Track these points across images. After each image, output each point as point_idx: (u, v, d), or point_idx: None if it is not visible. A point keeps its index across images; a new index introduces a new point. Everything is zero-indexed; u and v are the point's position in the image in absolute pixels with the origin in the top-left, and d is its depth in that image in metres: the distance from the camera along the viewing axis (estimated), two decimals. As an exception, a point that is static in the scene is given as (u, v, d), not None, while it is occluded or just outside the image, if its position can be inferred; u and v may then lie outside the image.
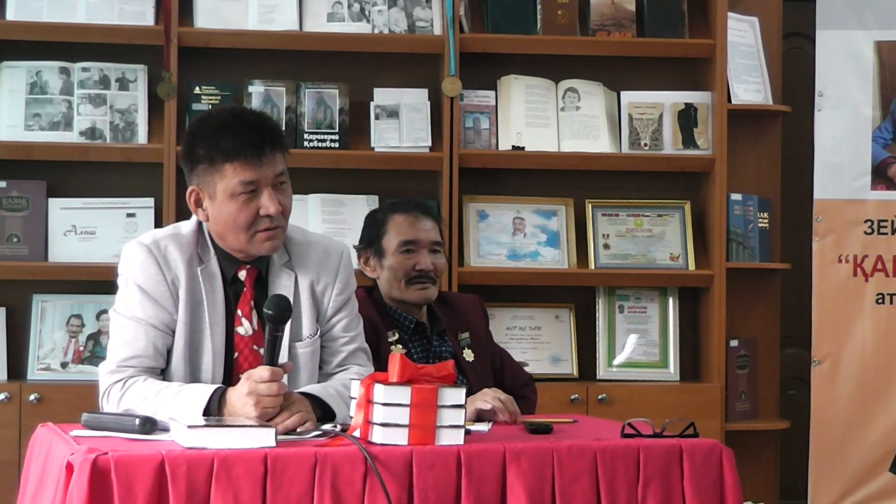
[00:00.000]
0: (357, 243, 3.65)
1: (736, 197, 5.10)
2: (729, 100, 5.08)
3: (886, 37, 5.04)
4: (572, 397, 4.85)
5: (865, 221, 5.00)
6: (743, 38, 5.22)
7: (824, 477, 4.96)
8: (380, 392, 2.64)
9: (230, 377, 2.91)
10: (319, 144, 4.88)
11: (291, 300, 2.91)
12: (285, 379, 2.81)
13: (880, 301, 4.96)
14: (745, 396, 5.13)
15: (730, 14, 5.09)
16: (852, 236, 4.99)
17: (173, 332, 2.93)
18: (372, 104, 4.94)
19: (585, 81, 5.14)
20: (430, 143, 4.93)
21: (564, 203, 5.11)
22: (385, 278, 3.59)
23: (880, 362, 4.95)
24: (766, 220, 5.19)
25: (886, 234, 4.97)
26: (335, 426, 2.79)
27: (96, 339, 4.77)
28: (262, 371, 2.73)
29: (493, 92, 5.06)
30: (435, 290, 3.62)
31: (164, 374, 2.94)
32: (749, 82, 5.20)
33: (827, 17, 5.03)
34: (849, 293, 4.98)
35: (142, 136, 4.84)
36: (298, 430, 2.74)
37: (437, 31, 4.93)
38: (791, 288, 5.28)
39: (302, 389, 2.90)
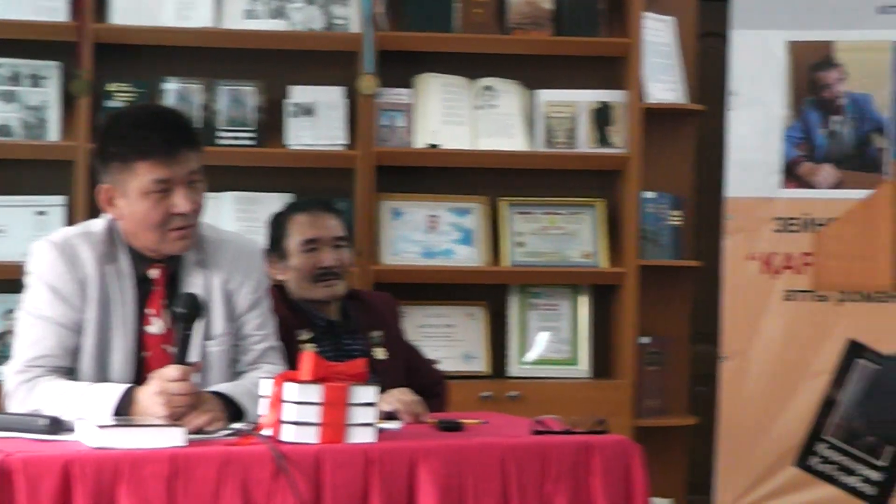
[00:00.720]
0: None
1: (649, 195, 5.14)
2: (645, 98, 5.12)
3: (798, 37, 5.09)
4: (484, 395, 4.88)
5: (775, 219, 5.04)
6: (659, 37, 5.26)
7: (731, 472, 5.02)
8: (291, 390, 2.64)
9: (140, 377, 2.90)
10: (234, 142, 4.86)
11: (204, 298, 2.91)
12: (197, 378, 2.81)
13: (789, 298, 5.01)
14: (656, 393, 5.18)
15: (646, 14, 5.13)
16: (762, 234, 5.04)
17: (83, 331, 2.92)
18: (288, 102, 4.93)
19: (502, 80, 5.16)
20: (345, 141, 4.94)
21: (479, 201, 5.13)
22: (292, 279, 3.60)
23: (788, 359, 5.01)
24: (679, 218, 5.24)
25: (796, 231, 5.02)
26: (246, 425, 2.79)
27: (4, 338, 4.71)
28: (172, 370, 2.72)
29: (410, 90, 5.07)
30: (343, 285, 3.63)
31: (72, 373, 2.92)
32: (664, 81, 5.25)
33: (741, 16, 5.07)
34: (758, 290, 5.03)
35: (53, 134, 4.79)
36: (208, 429, 2.74)
37: (355, 28, 4.93)
38: (702, 285, 5.33)
39: (212, 388, 2.90)
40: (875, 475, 5.00)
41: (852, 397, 5.01)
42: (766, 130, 5.08)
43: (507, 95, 5.14)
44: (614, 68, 5.20)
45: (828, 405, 5.00)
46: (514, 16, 5.10)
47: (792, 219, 5.04)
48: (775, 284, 5.02)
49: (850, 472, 5.00)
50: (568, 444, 2.91)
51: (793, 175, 5.05)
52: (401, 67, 5.04)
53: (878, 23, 5.03)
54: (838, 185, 5.02)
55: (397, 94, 5.04)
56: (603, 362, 5.18)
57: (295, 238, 3.61)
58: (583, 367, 5.12)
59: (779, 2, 5.09)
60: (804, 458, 5.02)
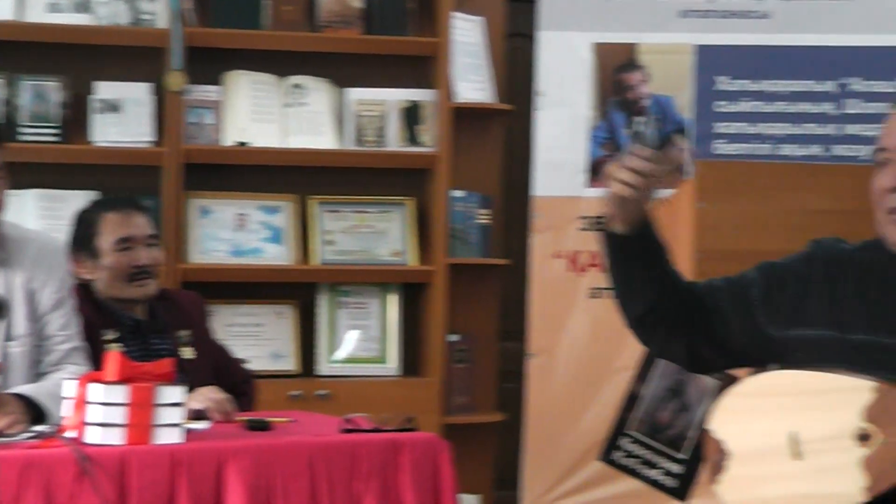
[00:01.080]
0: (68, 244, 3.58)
1: (458, 194, 5.18)
2: (454, 98, 5.16)
3: (603, 39, 5.17)
4: (293, 394, 4.85)
5: (581, 218, 5.12)
6: (468, 37, 5.31)
7: (537, 467, 5.09)
8: (96, 391, 2.60)
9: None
10: (37, 138, 4.75)
11: (5, 298, 2.84)
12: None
13: (594, 296, 5.10)
14: (464, 390, 5.22)
15: (455, 14, 5.17)
16: (568, 232, 5.11)
17: None
18: (93, 98, 4.84)
19: (312, 78, 5.14)
20: (152, 138, 4.86)
21: (289, 199, 5.10)
22: (104, 278, 3.54)
23: (593, 355, 5.09)
24: (488, 217, 5.29)
25: (601, 230, 5.10)
26: (48, 427, 2.74)
27: None
28: (-29, 372, 2.66)
29: (219, 87, 5.02)
30: (155, 284, 3.59)
31: None
32: (473, 81, 5.29)
33: (548, 18, 5.13)
34: (564, 288, 5.10)
35: None
36: (9, 432, 2.68)
37: (162, 24, 4.86)
38: (510, 283, 5.39)
39: (13, 390, 2.83)
40: (676, 468, 5.12)
41: (655, 392, 5.12)
42: (572, 130, 5.15)
43: (316, 93, 5.12)
44: (423, 67, 5.22)
45: (631, 400, 5.11)
46: (323, 14, 5.09)
47: (598, 217, 5.12)
48: (581, 282, 5.10)
49: (653, 466, 5.11)
50: (377, 442, 2.93)
51: (598, 174, 5.14)
52: (209, 64, 4.99)
53: (679, 26, 5.14)
54: (641, 185, 5.12)
55: (206, 92, 4.98)
56: (412, 360, 5.21)
57: (107, 237, 3.55)
58: (392, 365, 5.14)
59: (584, 4, 5.17)
60: (608, 452, 5.11)
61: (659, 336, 2.74)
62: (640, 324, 2.71)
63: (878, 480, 2.31)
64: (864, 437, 2.35)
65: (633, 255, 2.64)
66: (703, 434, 4.49)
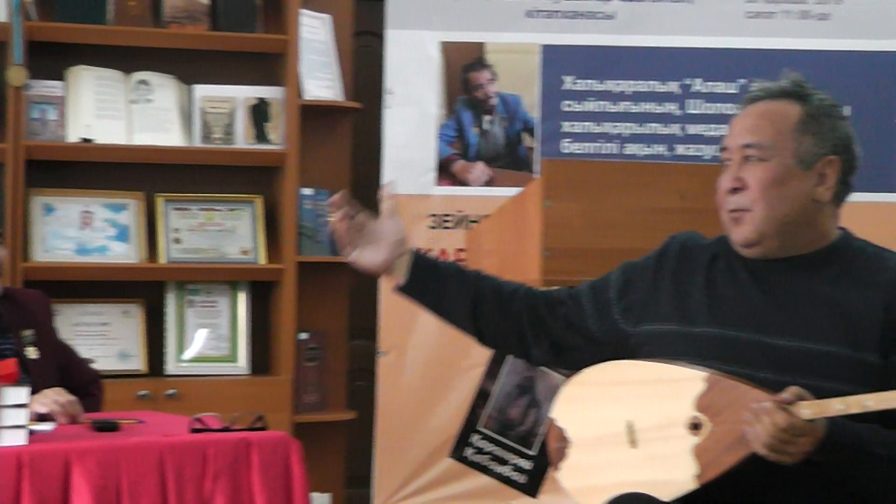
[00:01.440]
0: None
1: (307, 192, 5.16)
2: (302, 95, 5.14)
3: (451, 38, 5.19)
4: (141, 393, 4.79)
5: (430, 216, 5.14)
6: (316, 34, 5.29)
7: (389, 465, 5.09)
8: (-65, 393, 2.54)
9: None
10: None
11: None
12: None
13: (444, 293, 5.11)
14: (315, 388, 5.21)
15: (303, 11, 5.14)
16: (418, 230, 5.12)
17: None
18: (-69, 92, 4.73)
19: (158, 74, 5.08)
20: (-7, 134, 4.77)
21: (135, 197, 5.03)
22: (-53, 279, 3.46)
23: (443, 353, 5.11)
24: (337, 215, 5.27)
25: (450, 228, 5.13)
26: None
27: None
28: None
29: (62, 82, 4.93)
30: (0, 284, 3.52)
31: None
32: (322, 79, 5.28)
33: (396, 16, 5.14)
34: (414, 286, 5.11)
35: None
36: None
37: (2, 17, 4.76)
38: (360, 281, 5.38)
39: None
40: (527, 464, 5.16)
41: (505, 389, 5.16)
42: (420, 128, 5.16)
43: (162, 90, 5.06)
44: (271, 65, 5.20)
45: (481, 397, 5.14)
46: (169, 9, 5.03)
47: (446, 215, 5.15)
48: (431, 280, 5.11)
49: (503, 462, 5.15)
50: (226, 441, 2.90)
51: (447, 173, 5.16)
52: (52, 59, 4.90)
53: (526, 26, 5.19)
54: (490, 183, 5.17)
55: (48, 87, 4.89)
56: (262, 359, 5.18)
57: (-49, 236, 3.47)
58: (241, 363, 5.10)
59: (432, 3, 5.18)
60: (459, 449, 5.13)
61: (516, 346, 2.87)
62: (489, 343, 2.91)
63: (708, 468, 2.38)
64: (695, 426, 2.42)
65: (425, 294, 2.91)
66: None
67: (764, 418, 2.29)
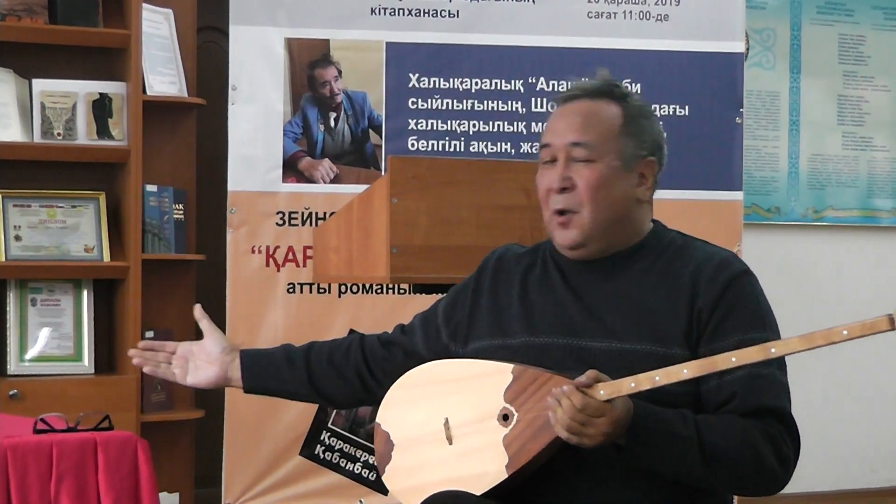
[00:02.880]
0: None
1: (151, 188, 5.11)
2: (145, 91, 5.08)
3: (296, 34, 5.17)
4: (-19, 394, 4.71)
5: (277, 213, 5.12)
6: (158, 29, 5.23)
7: (238, 464, 5.07)
8: None
9: None
10: None
11: None
12: None
13: (291, 290, 5.11)
14: (161, 387, 5.16)
15: (144, 5, 5.08)
16: (265, 228, 5.10)
17: None
18: None
19: (-5, 68, 4.99)
20: None
21: (-27, 194, 4.94)
22: None
23: (291, 350, 5.10)
24: (182, 212, 5.24)
25: (297, 225, 5.12)
26: None
27: None
28: None
29: None
30: None
31: None
32: (164, 74, 5.22)
33: (239, 12, 5.10)
34: (262, 283, 5.09)
35: None
36: None
37: None
38: (207, 279, 5.36)
39: None
40: (376, 461, 5.19)
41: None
42: (266, 125, 5.14)
43: (0, 85, 4.96)
44: (113, 59, 5.13)
45: (330, 394, 5.14)
46: (6, 1, 4.93)
47: (293, 213, 5.14)
48: (279, 278, 5.10)
49: (354, 460, 5.16)
50: (71, 441, 2.87)
51: (293, 170, 5.15)
52: None
53: (370, 23, 5.19)
54: (337, 180, 5.17)
55: None
56: (107, 358, 5.11)
57: None
58: (86, 363, 5.02)
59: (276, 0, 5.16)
60: (309, 447, 5.14)
61: (367, 397, 2.90)
62: (344, 404, 3.12)
63: (517, 457, 2.43)
64: (505, 417, 2.46)
65: (268, 388, 3.01)
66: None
67: (564, 400, 2.34)
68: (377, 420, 2.62)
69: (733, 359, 2.31)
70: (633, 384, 2.34)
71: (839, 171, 6.61)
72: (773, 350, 2.28)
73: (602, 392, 2.34)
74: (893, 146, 6.72)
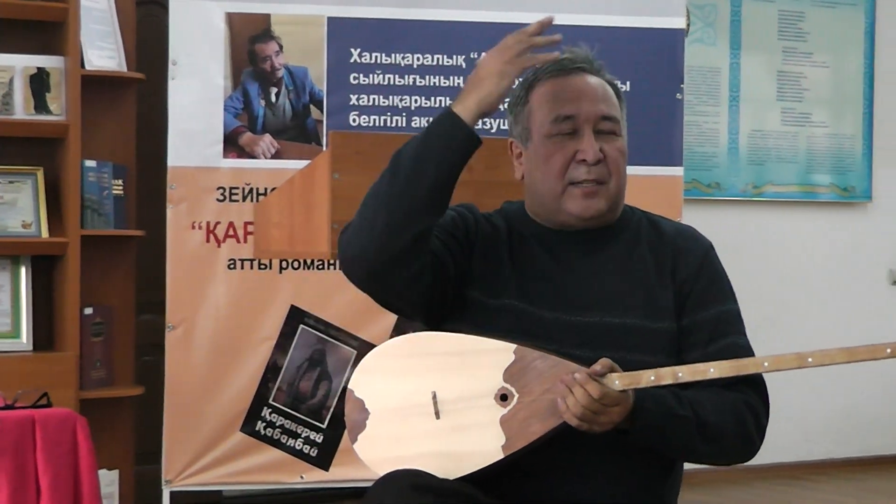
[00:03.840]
0: None
1: (91, 164, 5.06)
2: (83, 65, 5.03)
3: (237, 8, 5.13)
4: None
5: (218, 188, 5.09)
6: (96, 3, 5.17)
7: (179, 440, 5.05)
8: None
9: None
10: None
11: None
12: None
13: (232, 266, 5.08)
14: (101, 364, 5.13)
15: (82, -21, 5.04)
16: (205, 203, 5.07)
17: None
18: None
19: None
20: None
21: None
22: None
23: (233, 326, 5.09)
24: (122, 187, 5.20)
25: (238, 201, 5.10)
26: None
27: None
28: None
29: None
30: None
31: None
32: (104, 48, 5.17)
33: (181, -14, 5.08)
34: (202, 259, 5.06)
35: None
36: None
37: None
38: (147, 255, 5.32)
39: None
40: (317, 437, 5.18)
41: (295, 362, 5.17)
42: (207, 100, 5.10)
43: (-65, 58, 4.91)
44: (51, 33, 5.08)
45: (272, 371, 5.14)
46: (-58, -25, 4.87)
47: (234, 188, 5.12)
48: (219, 253, 5.08)
49: (295, 436, 5.16)
50: (9, 419, 2.86)
51: (234, 145, 5.12)
52: None
53: (309, -3, 5.18)
54: (278, 156, 5.15)
55: None
56: (45, 335, 5.07)
57: None
58: (24, 339, 4.98)
59: (217, -28, 5.12)
60: (250, 423, 5.13)
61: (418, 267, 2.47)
62: (413, 245, 2.40)
63: (515, 438, 2.41)
64: (504, 397, 2.44)
65: (463, 156, 2.43)
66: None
67: (577, 389, 2.33)
68: (350, 386, 2.55)
69: (766, 363, 2.34)
70: (652, 377, 2.35)
71: (779, 146, 6.66)
72: (809, 360, 2.30)
73: (617, 382, 2.34)
74: (832, 122, 6.79)
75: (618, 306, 2.51)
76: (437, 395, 2.46)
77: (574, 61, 2.60)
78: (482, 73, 2.47)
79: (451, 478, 2.40)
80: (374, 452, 2.49)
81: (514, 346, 2.43)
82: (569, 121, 2.54)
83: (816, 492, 6.24)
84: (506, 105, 2.68)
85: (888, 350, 2.25)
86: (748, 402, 2.50)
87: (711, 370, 2.35)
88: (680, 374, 2.35)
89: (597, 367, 2.35)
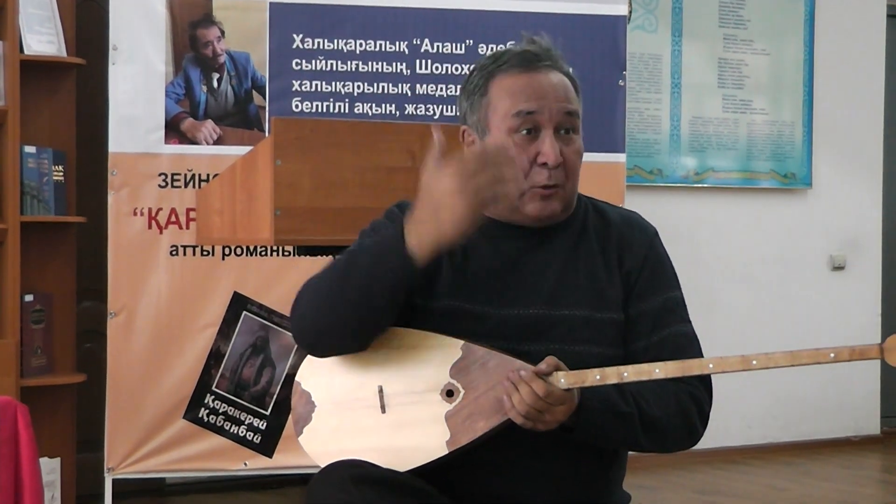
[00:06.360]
0: None
1: (30, 150, 5.02)
2: (22, 50, 4.99)
3: (178, -7, 5.13)
4: None
5: (160, 175, 5.07)
6: (36, -13, 5.14)
7: (121, 428, 5.03)
8: None
9: None
10: None
11: None
12: None
13: (174, 253, 5.06)
14: (41, 351, 5.09)
15: (20, -38, 4.99)
16: (147, 189, 5.05)
17: None
18: None
19: None
20: None
21: None
22: None
23: (175, 313, 5.07)
24: (62, 174, 5.16)
25: (179, 187, 5.08)
26: None
27: None
28: None
29: None
30: None
31: None
32: (43, 33, 5.12)
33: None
34: (144, 246, 5.04)
35: None
36: None
37: None
38: (88, 241, 5.29)
39: None
40: (261, 424, 5.18)
41: (238, 349, 5.15)
42: (147, 86, 5.08)
43: None
44: (-10, 18, 5.03)
45: (216, 357, 5.12)
46: None
47: (176, 174, 5.09)
48: (161, 240, 5.06)
49: (238, 423, 5.15)
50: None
51: (176, 131, 5.10)
52: None
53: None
54: (220, 142, 5.13)
55: None
56: (-15, 322, 5.03)
57: None
58: (-37, 328, 4.95)
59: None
60: (193, 410, 5.11)
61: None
62: (372, 333, 2.44)
63: (460, 434, 2.40)
64: (450, 393, 2.43)
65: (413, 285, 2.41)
66: (289, 389, 4.55)
67: (523, 386, 2.32)
68: (297, 378, 2.53)
69: (710, 365, 2.33)
70: (598, 377, 2.33)
71: (720, 133, 6.71)
72: (754, 362, 2.30)
73: (563, 381, 2.33)
74: (772, 109, 6.84)
75: (565, 298, 2.49)
76: (383, 389, 2.45)
77: (539, 56, 2.53)
78: (440, 203, 2.31)
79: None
80: (320, 445, 2.48)
81: (461, 342, 2.41)
82: (530, 117, 2.48)
83: (756, 476, 6.30)
84: (459, 89, 2.64)
85: (832, 355, 2.25)
86: (692, 392, 2.50)
87: (657, 371, 2.34)
88: (625, 374, 2.34)
89: (542, 365, 2.33)
